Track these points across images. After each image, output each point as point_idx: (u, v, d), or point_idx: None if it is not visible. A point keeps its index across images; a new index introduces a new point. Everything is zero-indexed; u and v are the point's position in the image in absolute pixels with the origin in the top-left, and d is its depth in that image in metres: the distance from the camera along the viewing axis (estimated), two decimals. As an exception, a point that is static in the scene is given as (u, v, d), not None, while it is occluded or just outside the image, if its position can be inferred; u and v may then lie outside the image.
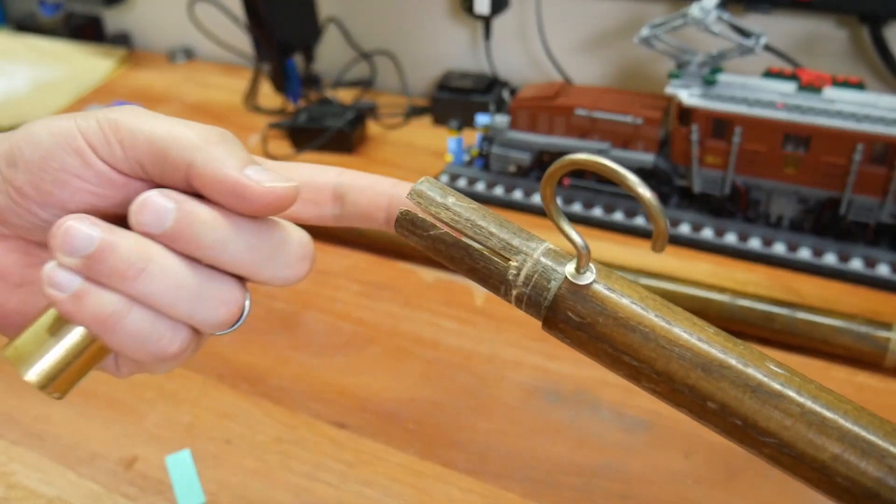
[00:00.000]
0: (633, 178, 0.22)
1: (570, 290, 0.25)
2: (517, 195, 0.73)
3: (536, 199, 0.72)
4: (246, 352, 0.56)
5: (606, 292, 0.25)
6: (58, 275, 0.23)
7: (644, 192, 0.22)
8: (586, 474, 0.46)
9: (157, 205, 0.24)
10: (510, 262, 0.26)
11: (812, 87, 0.62)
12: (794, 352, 0.53)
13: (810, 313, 0.53)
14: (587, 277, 0.25)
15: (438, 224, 0.27)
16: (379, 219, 0.29)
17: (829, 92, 0.61)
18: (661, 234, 0.22)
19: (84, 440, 0.48)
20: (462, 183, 0.75)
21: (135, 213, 0.24)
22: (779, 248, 0.63)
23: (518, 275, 0.26)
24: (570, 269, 0.25)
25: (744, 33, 0.63)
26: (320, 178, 0.29)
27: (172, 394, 0.52)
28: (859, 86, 0.61)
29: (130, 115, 0.26)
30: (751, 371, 0.24)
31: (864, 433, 0.23)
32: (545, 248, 0.26)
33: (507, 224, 0.27)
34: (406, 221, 0.27)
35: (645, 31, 0.65)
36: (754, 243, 0.64)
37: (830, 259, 0.62)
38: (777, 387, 0.24)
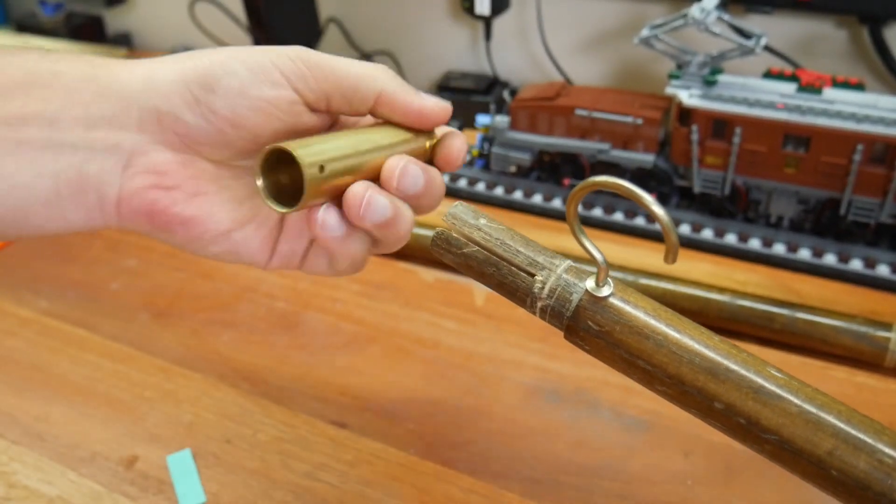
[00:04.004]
0: (647, 198, 0.25)
1: (590, 302, 0.28)
2: (517, 195, 0.73)
3: (537, 199, 0.72)
4: (246, 352, 0.56)
5: (623, 304, 0.28)
6: (329, 217, 0.31)
7: (657, 209, 0.25)
8: (586, 474, 0.46)
9: (413, 171, 0.31)
10: (536, 277, 0.29)
11: (812, 88, 0.62)
12: (793, 352, 0.53)
13: (810, 313, 0.53)
14: (605, 291, 0.28)
15: (471, 243, 0.30)
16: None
17: (829, 92, 0.61)
18: (673, 247, 0.25)
19: (84, 440, 0.48)
20: (462, 183, 0.75)
21: (396, 179, 0.31)
22: (779, 249, 0.64)
23: (543, 288, 0.29)
24: (590, 283, 0.28)
25: (744, 34, 0.63)
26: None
27: (172, 393, 0.52)
28: (859, 86, 0.62)
29: (314, 54, 0.31)
30: (753, 375, 0.26)
31: (855, 431, 0.25)
32: (567, 265, 0.29)
33: (532, 243, 0.30)
34: (441, 240, 0.30)
35: (645, 32, 0.65)
36: (754, 243, 0.64)
37: (830, 259, 0.62)
38: (777, 389, 0.26)
